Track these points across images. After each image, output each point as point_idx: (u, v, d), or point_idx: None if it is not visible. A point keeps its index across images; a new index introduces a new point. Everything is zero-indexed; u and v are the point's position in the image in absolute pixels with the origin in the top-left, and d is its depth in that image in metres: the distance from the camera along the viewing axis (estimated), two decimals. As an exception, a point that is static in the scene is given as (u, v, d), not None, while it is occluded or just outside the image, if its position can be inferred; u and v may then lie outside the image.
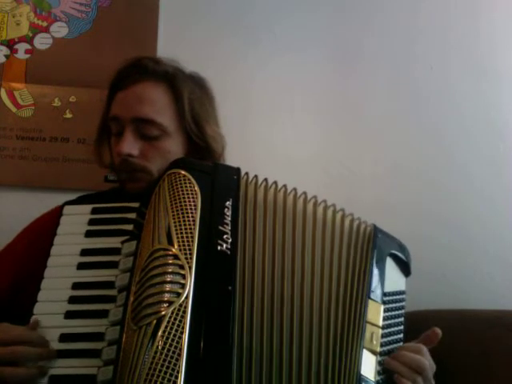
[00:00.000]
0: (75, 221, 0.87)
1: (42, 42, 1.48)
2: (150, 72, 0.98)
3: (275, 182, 0.87)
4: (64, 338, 0.75)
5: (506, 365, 1.13)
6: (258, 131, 1.53)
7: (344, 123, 1.58)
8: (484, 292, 1.49)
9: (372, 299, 0.82)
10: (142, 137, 0.95)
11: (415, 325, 1.27)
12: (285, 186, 0.87)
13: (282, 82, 1.56)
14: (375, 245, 0.87)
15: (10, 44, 1.47)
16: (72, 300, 0.78)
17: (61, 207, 0.90)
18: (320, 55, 1.59)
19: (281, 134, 1.54)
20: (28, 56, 1.47)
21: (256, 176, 0.87)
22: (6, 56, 1.46)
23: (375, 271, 0.84)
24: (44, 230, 0.89)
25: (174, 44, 1.51)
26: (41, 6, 1.49)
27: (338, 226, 0.88)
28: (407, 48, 1.62)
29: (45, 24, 1.49)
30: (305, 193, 0.88)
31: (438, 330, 0.83)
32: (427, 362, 0.79)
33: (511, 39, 1.67)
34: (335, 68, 1.59)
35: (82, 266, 0.81)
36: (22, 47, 1.47)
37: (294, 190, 0.88)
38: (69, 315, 0.77)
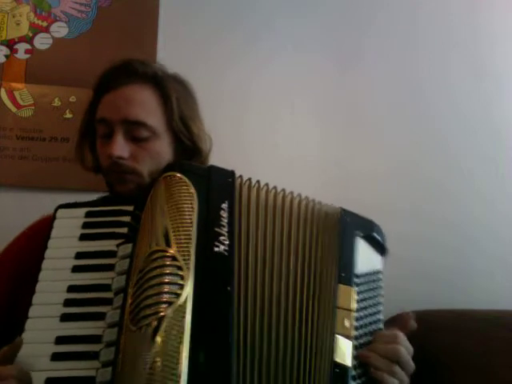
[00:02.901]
0: (69, 224, 0.86)
1: (42, 42, 1.48)
2: (139, 74, 0.98)
3: (266, 184, 0.88)
4: (60, 340, 0.74)
5: (506, 365, 1.13)
6: (257, 131, 1.53)
7: (344, 123, 1.58)
8: (484, 292, 1.49)
9: (342, 283, 0.81)
10: (131, 139, 0.95)
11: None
12: (275, 187, 0.88)
13: (282, 82, 1.56)
14: (343, 228, 0.86)
15: (10, 44, 1.47)
16: (67, 303, 0.78)
17: (54, 212, 0.90)
18: (320, 55, 1.59)
19: (280, 134, 1.54)
20: (28, 56, 1.47)
21: (250, 179, 0.88)
22: (6, 56, 1.46)
23: (344, 254, 0.84)
24: (40, 234, 0.88)
25: (174, 44, 1.51)
26: (41, 5, 1.49)
27: (309, 215, 0.88)
28: (407, 48, 1.63)
29: (45, 24, 1.49)
30: (292, 192, 0.89)
31: (410, 314, 0.82)
32: (402, 349, 0.78)
33: (511, 39, 1.67)
34: (335, 68, 1.59)
35: (76, 269, 0.81)
36: (21, 47, 1.47)
37: (283, 190, 0.89)
38: (64, 318, 0.76)
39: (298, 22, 1.59)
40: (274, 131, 1.54)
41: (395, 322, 0.84)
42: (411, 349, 0.81)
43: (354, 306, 0.80)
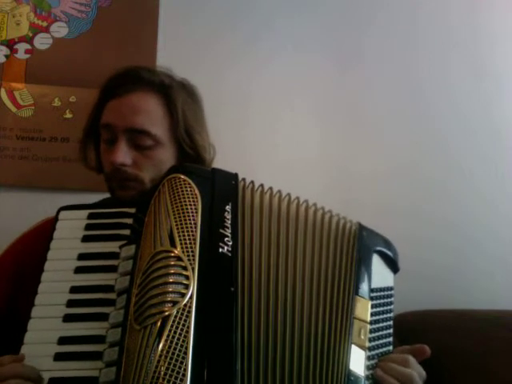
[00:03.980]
0: (71, 226, 0.87)
1: (42, 42, 1.48)
2: (145, 82, 0.98)
3: (270, 188, 0.89)
4: (63, 340, 0.74)
5: (506, 365, 1.13)
6: (257, 131, 1.53)
7: (344, 123, 1.58)
8: (484, 292, 1.49)
9: (359, 296, 0.83)
10: (135, 146, 0.96)
11: (416, 324, 1.28)
12: (279, 191, 0.89)
13: (282, 82, 1.56)
14: (360, 242, 0.88)
15: (10, 44, 1.47)
16: (70, 304, 0.78)
17: (56, 214, 0.90)
18: (320, 55, 1.59)
19: (280, 135, 1.54)
20: (28, 56, 1.47)
21: (253, 182, 0.88)
22: (6, 56, 1.46)
23: (361, 268, 0.86)
24: (42, 236, 0.88)
25: (174, 44, 1.51)
26: (41, 5, 1.49)
27: (326, 226, 0.89)
28: (407, 48, 1.63)
29: (45, 24, 1.49)
30: (298, 198, 0.90)
31: (428, 349, 0.83)
32: (415, 374, 0.79)
33: (511, 39, 1.67)
34: (335, 68, 1.59)
35: (79, 270, 0.81)
36: (21, 47, 1.47)
37: (288, 195, 0.90)
38: (67, 318, 0.76)
39: (298, 21, 1.59)
40: (274, 131, 1.54)
41: (413, 348, 0.85)
42: (424, 374, 0.82)
43: (369, 318, 0.82)
